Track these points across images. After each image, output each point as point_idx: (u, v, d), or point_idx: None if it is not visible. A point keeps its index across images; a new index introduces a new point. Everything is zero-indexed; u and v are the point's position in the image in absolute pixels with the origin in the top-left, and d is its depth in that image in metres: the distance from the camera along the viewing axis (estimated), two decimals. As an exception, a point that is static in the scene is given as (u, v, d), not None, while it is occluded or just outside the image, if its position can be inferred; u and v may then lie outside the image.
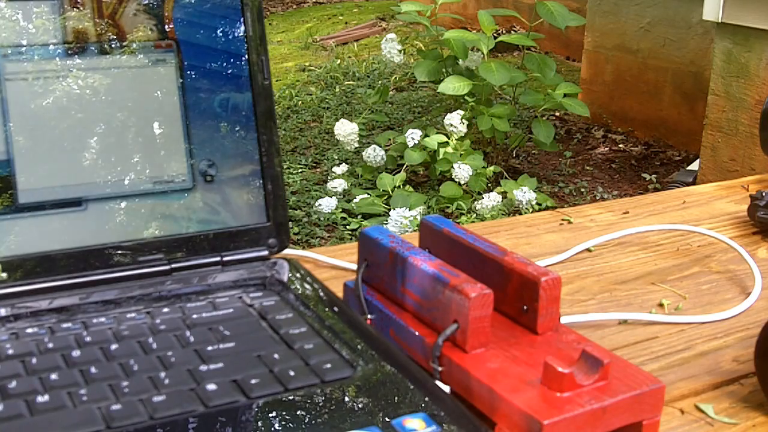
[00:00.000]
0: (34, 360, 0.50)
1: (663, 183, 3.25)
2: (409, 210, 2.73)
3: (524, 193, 2.81)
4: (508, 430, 0.48)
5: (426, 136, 3.07)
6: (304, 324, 0.55)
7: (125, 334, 0.53)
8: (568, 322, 0.67)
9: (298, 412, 0.46)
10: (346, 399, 0.47)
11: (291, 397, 0.47)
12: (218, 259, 0.63)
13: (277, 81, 4.61)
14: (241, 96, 0.65)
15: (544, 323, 0.55)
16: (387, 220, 2.70)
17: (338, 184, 3.03)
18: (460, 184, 2.94)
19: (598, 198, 3.14)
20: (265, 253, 0.65)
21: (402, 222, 2.63)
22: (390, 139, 3.37)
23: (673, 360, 0.63)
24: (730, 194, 1.00)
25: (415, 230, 2.57)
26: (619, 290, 0.75)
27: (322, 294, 0.59)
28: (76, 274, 0.59)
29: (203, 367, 0.50)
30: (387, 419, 0.45)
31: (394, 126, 3.80)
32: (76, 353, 0.51)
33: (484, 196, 2.84)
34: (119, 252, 0.60)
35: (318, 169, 3.43)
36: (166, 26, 0.63)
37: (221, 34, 0.64)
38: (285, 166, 3.35)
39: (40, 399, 0.46)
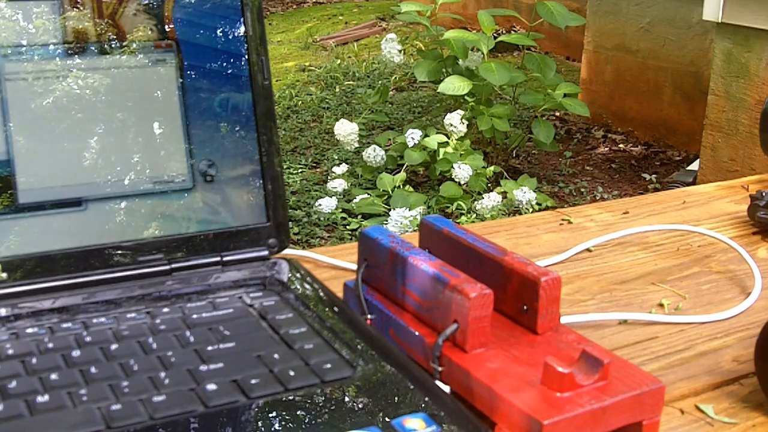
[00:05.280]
0: (34, 360, 0.50)
1: (663, 183, 3.25)
2: (409, 210, 2.72)
3: (524, 193, 2.81)
4: (508, 430, 0.48)
5: (426, 136, 3.07)
6: (304, 324, 0.55)
7: (125, 334, 0.53)
8: (568, 322, 0.67)
9: (298, 412, 0.46)
10: (346, 399, 0.47)
11: (291, 397, 0.47)
12: (218, 259, 0.63)
13: (277, 81, 4.61)
14: (241, 96, 0.65)
15: (544, 323, 0.55)
16: (387, 220, 2.70)
17: (338, 184, 3.03)
18: (460, 184, 2.94)
19: (598, 198, 3.14)
20: (265, 253, 0.65)
21: (402, 222, 2.63)
22: (390, 139, 3.37)
23: (673, 360, 0.63)
24: (730, 194, 1.00)
25: (415, 230, 2.57)
26: (619, 290, 0.75)
27: (322, 294, 0.59)
28: (76, 274, 0.59)
29: (203, 367, 0.50)
30: (387, 419, 0.45)
31: (394, 126, 3.80)
32: (76, 353, 0.51)
33: (484, 196, 2.84)
34: (119, 252, 0.60)
35: (318, 169, 3.43)
36: (166, 26, 0.63)
37: (221, 34, 0.64)
38: (285, 166, 3.35)
39: (40, 399, 0.46)
